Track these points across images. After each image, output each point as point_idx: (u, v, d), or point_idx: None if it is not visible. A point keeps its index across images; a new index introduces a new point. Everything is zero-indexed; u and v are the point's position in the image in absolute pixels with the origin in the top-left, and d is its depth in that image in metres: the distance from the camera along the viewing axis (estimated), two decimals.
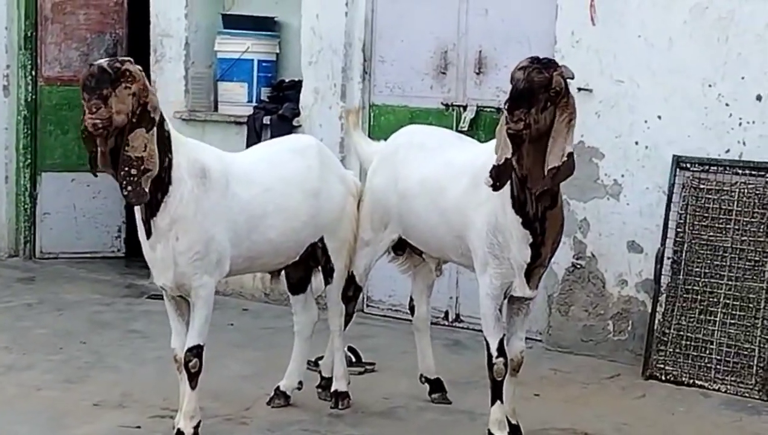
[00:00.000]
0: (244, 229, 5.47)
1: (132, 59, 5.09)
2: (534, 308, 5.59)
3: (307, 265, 6.00)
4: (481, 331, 7.45)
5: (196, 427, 5.39)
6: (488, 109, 7.63)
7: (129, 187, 4.99)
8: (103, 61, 4.97)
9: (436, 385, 6.24)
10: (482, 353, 7.05)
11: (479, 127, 7.66)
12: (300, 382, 6.08)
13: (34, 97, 9.89)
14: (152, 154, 5.01)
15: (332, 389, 6.07)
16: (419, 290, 6.27)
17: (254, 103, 8.49)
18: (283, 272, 6.03)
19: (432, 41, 7.85)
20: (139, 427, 5.66)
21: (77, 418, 5.77)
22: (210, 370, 6.55)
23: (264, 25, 8.63)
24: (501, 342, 5.38)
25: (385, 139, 6.27)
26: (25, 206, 9.86)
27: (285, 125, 8.10)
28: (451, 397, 6.25)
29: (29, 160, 9.86)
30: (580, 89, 7.11)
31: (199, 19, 8.86)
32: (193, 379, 5.39)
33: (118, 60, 5.01)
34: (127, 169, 4.97)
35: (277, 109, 8.27)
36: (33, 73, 9.88)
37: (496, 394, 5.41)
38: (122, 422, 5.73)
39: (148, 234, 5.25)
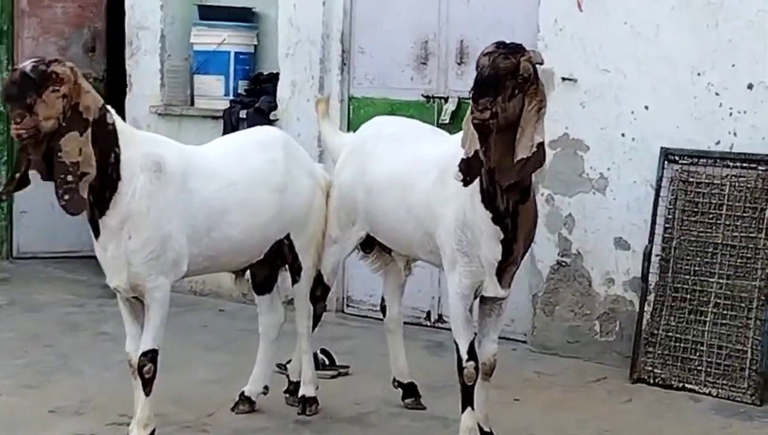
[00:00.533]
0: (204, 226, 5.19)
1: (61, 59, 4.80)
2: (507, 308, 5.28)
3: (274, 263, 5.72)
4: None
5: None
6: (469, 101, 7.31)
7: (66, 196, 4.71)
8: (28, 65, 4.67)
9: (410, 390, 5.95)
10: None
11: (461, 120, 7.32)
12: (266, 387, 5.80)
13: None
14: (88, 157, 4.72)
15: (299, 394, 5.78)
16: (391, 290, 5.99)
17: (231, 97, 8.21)
18: (248, 271, 5.74)
19: (412, 31, 7.58)
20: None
21: (32, 426, 5.52)
22: (176, 373, 6.35)
23: (241, 16, 8.35)
24: (472, 344, 5.11)
25: None
26: (2, 205, 9.59)
27: (261, 119, 7.82)
28: (427, 402, 5.97)
29: (5, 157, 9.60)
30: (564, 79, 6.86)
31: (174, 11, 8.60)
32: (147, 385, 5.11)
33: (45, 62, 4.70)
34: (62, 176, 4.69)
35: (253, 103, 8.00)
36: (9, 68, 9.58)
37: (467, 400, 5.13)
38: (77, 430, 5.47)
39: (97, 234, 4.97)
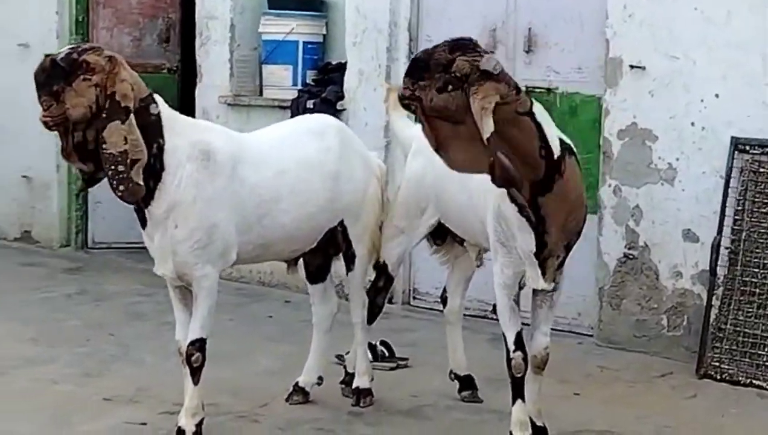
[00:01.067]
0: (254, 215, 5.14)
1: (98, 47, 4.78)
2: (559, 301, 5.15)
3: (327, 252, 5.65)
4: (529, 325, 7.16)
5: (199, 425, 5.09)
6: (538, 90, 7.19)
7: (121, 186, 4.71)
8: (62, 52, 4.67)
9: (467, 383, 5.86)
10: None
11: None
12: (320, 378, 5.74)
13: None
14: (136, 143, 4.70)
15: (354, 386, 5.72)
16: (455, 282, 5.92)
17: (299, 87, 8.16)
18: (301, 260, 5.68)
19: (480, 19, 7.45)
20: (144, 423, 5.39)
21: (85, 414, 5.51)
22: (236, 363, 6.35)
23: (310, 5, 8.29)
24: (518, 335, 5.01)
25: None
26: (78, 195, 9.68)
27: (328, 109, 7.74)
28: (484, 395, 5.86)
29: None
30: (632, 67, 6.69)
31: (244, 1, 8.56)
32: (195, 373, 5.08)
33: (78, 50, 4.69)
34: (113, 168, 4.68)
35: (321, 93, 7.94)
36: None
37: (517, 393, 5.03)
38: (130, 418, 5.46)
39: (143, 223, 4.95)
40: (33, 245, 9.82)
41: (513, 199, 4.73)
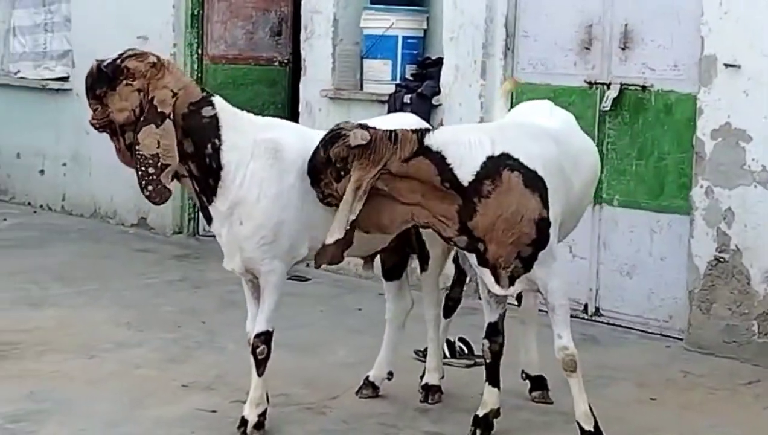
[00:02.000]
0: (324, 214, 5.17)
1: (143, 53, 4.91)
2: (559, 304, 5.07)
3: (403, 251, 5.68)
4: (621, 326, 7.09)
5: (261, 416, 5.17)
6: (633, 88, 7.08)
7: (149, 187, 4.85)
8: (109, 58, 4.83)
9: (538, 383, 5.82)
10: (614, 351, 6.68)
11: (622, 107, 7.13)
12: (390, 373, 5.77)
13: (199, 75, 9.87)
14: (168, 148, 4.81)
15: (423, 382, 5.73)
16: None
17: (398, 81, 8.20)
18: (378, 258, 5.72)
19: (576, 15, 7.37)
20: (215, 411, 5.49)
21: (159, 399, 5.65)
22: (315, 355, 6.44)
23: (411, 0, 8.31)
24: (492, 326, 5.22)
25: None
26: None
27: (424, 104, 7.79)
28: (557, 396, 5.80)
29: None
30: (727, 66, 6.53)
31: None
32: (260, 365, 5.17)
33: (123, 56, 4.83)
34: (144, 168, 4.81)
35: (418, 88, 7.96)
36: (199, 51, 9.89)
37: (489, 377, 5.25)
38: (202, 405, 5.57)
39: (209, 220, 5.06)
40: (148, 232, 10.09)
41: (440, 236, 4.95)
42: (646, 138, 7.05)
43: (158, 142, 4.79)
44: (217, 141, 4.93)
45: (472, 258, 4.97)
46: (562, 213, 4.99)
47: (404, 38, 8.25)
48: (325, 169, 4.82)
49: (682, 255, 6.84)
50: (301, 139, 5.19)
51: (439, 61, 8.06)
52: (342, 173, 4.78)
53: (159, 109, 4.80)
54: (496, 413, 5.22)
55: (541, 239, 4.89)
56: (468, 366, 6.29)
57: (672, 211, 6.95)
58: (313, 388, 5.87)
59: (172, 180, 4.97)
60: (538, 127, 5.15)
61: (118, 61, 4.80)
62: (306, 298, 7.92)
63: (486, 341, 5.19)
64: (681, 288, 6.88)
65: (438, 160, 4.79)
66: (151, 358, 6.33)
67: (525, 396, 5.80)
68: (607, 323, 7.27)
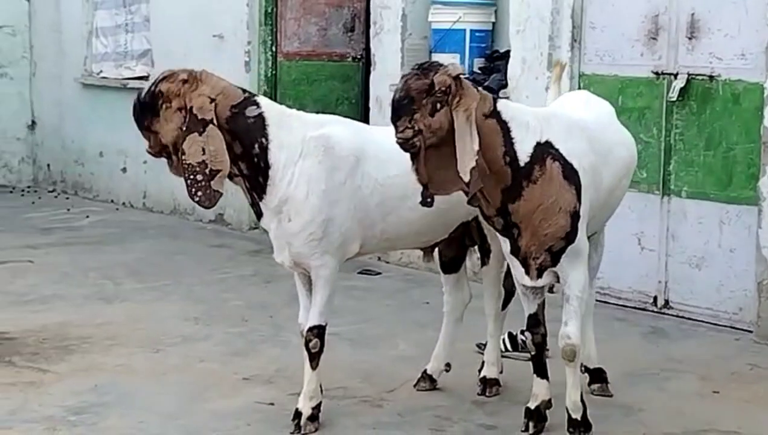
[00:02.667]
0: (378, 212, 5.18)
1: (171, 74, 4.96)
2: (576, 295, 5.00)
3: (462, 243, 5.67)
4: (690, 318, 7.01)
5: (315, 408, 5.20)
6: (700, 78, 6.99)
7: (199, 193, 4.92)
8: (145, 88, 4.96)
9: (597, 376, 5.77)
10: (680, 343, 6.61)
11: (689, 97, 7.03)
12: (447, 365, 5.78)
13: (273, 72, 9.99)
14: (215, 153, 4.88)
15: (481, 375, 5.73)
16: None
17: (466, 75, 8.15)
18: (436, 250, 5.73)
19: (643, 5, 7.27)
20: (272, 404, 5.54)
21: (219, 392, 5.71)
22: (376, 348, 6.48)
23: None
24: (530, 317, 5.15)
25: None
26: None
27: None
28: (618, 389, 5.76)
29: None
30: None
31: None
32: (313, 359, 5.21)
33: (155, 82, 4.94)
34: (192, 177, 4.89)
35: (486, 81, 7.94)
36: (273, 48, 9.98)
37: (536, 369, 5.24)
38: (260, 398, 5.63)
39: (259, 216, 5.12)
40: (225, 227, 10.23)
41: (480, 210, 4.85)
42: (714, 128, 6.94)
43: (203, 149, 4.87)
44: (264, 140, 4.98)
45: (506, 245, 4.92)
46: (591, 208, 4.95)
47: (472, 31, 8.24)
48: (422, 99, 4.55)
49: (751, 246, 6.73)
50: (354, 136, 5.21)
51: (506, 54, 8.03)
52: (438, 107, 4.57)
53: (199, 117, 4.87)
54: (547, 404, 5.19)
55: (572, 233, 4.87)
56: (529, 359, 6.22)
57: (741, 202, 6.84)
58: (372, 381, 5.89)
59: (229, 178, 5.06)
60: (572, 119, 5.10)
61: (153, 87, 4.92)
62: (375, 292, 7.96)
63: (528, 334, 5.18)
64: (750, 280, 6.77)
65: (505, 130, 4.74)
66: (215, 352, 6.41)
67: (585, 389, 5.73)
68: (677, 316, 7.18)
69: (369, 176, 5.14)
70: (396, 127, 4.59)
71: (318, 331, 5.17)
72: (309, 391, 5.21)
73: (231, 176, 5.07)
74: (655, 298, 7.33)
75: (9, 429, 5.12)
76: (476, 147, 4.55)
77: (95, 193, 11.87)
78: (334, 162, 5.04)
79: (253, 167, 4.99)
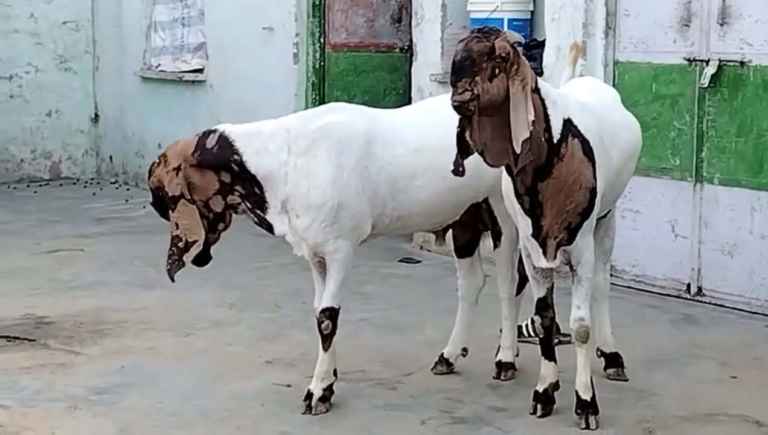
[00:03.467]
0: (387, 191, 5.29)
1: (152, 169, 5.23)
2: (587, 277, 5.08)
3: (476, 227, 5.74)
4: (723, 305, 7.00)
5: (326, 389, 5.30)
6: (731, 64, 6.95)
7: (170, 260, 5.21)
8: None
9: (613, 360, 5.79)
10: (708, 330, 6.62)
11: (721, 84, 7.01)
12: (464, 349, 5.85)
13: (321, 63, 10.10)
14: (188, 226, 5.16)
15: (497, 359, 5.79)
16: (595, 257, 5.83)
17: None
18: (451, 235, 5.80)
19: None
20: (289, 385, 5.65)
21: (240, 374, 5.84)
22: (402, 333, 6.58)
23: None
24: (540, 300, 5.22)
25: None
26: None
27: None
28: (635, 374, 5.79)
29: None
30: None
31: None
32: (326, 340, 5.31)
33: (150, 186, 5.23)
34: (170, 249, 5.20)
35: None
36: (321, 40, 10.10)
37: (544, 352, 5.31)
38: (279, 380, 5.74)
39: (270, 229, 5.25)
40: None
41: (514, 187, 4.84)
42: (746, 114, 6.91)
43: (177, 225, 5.12)
44: (236, 155, 5.15)
45: (527, 226, 4.95)
46: (602, 187, 4.99)
47: (510, 20, 8.26)
48: (483, 61, 4.54)
49: None
50: (360, 119, 5.32)
51: (543, 43, 8.05)
52: (497, 72, 4.58)
53: (170, 194, 5.12)
54: (555, 386, 5.24)
55: (589, 209, 4.94)
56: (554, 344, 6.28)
57: None
58: (391, 365, 5.98)
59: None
60: (581, 100, 5.14)
61: (151, 186, 5.20)
62: (412, 280, 8.05)
63: (537, 317, 5.24)
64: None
65: (544, 106, 4.80)
66: (243, 336, 6.54)
67: (602, 374, 5.77)
68: (710, 303, 7.16)
69: (376, 156, 5.25)
70: (456, 87, 4.56)
71: (330, 313, 5.27)
72: (321, 372, 5.31)
73: (235, 208, 5.28)
74: (689, 286, 7.31)
75: (32, 407, 5.30)
76: (531, 117, 4.59)
77: None
78: (340, 147, 5.14)
79: (244, 184, 5.16)
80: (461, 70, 4.54)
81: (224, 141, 5.18)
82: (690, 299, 7.28)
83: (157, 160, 5.20)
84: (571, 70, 5.96)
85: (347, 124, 5.23)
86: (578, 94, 5.31)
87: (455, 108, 4.59)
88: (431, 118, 5.51)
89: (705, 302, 7.20)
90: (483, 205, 5.56)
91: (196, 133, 5.29)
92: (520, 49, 4.69)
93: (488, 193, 5.52)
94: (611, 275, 7.57)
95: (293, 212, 5.15)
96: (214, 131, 5.23)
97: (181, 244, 5.12)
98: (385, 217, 5.35)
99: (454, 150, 5.35)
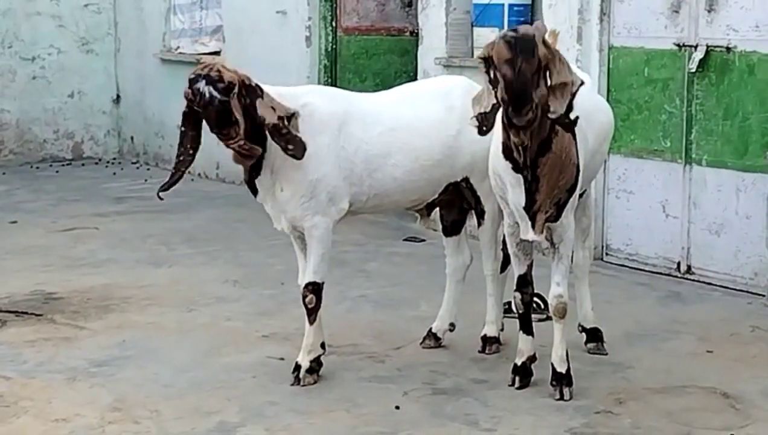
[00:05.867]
0: (364, 169, 5.55)
1: (210, 64, 5.25)
2: (568, 254, 5.32)
3: (461, 207, 5.99)
4: (710, 283, 7.20)
5: (314, 361, 5.57)
6: (718, 49, 7.14)
7: (291, 145, 5.26)
8: (207, 92, 5.18)
9: (593, 335, 6.03)
10: (692, 307, 6.83)
11: (709, 68, 7.20)
12: (451, 324, 6.10)
13: (333, 47, 10.35)
14: (277, 104, 5.25)
15: (482, 334, 6.03)
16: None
17: None
18: (434, 212, 6.05)
19: None
20: (282, 359, 5.90)
21: (236, 348, 6.11)
22: (398, 309, 6.82)
23: None
24: (521, 277, 5.45)
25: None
26: None
27: None
28: (615, 349, 6.03)
29: None
30: None
31: None
32: (310, 314, 5.58)
33: (213, 78, 5.16)
34: (279, 134, 5.24)
35: None
36: (333, 23, 10.33)
37: (522, 327, 5.53)
38: (273, 353, 6.00)
39: (255, 193, 5.48)
40: None
41: (512, 159, 5.03)
42: (731, 98, 7.10)
43: (272, 108, 5.23)
44: (258, 118, 5.33)
45: (519, 197, 5.12)
46: (581, 166, 5.21)
47: (510, 6, 8.48)
48: (535, 79, 4.77)
49: (765, 213, 6.88)
50: (334, 101, 5.61)
51: None
52: (542, 72, 4.82)
53: (252, 85, 5.23)
54: (532, 359, 5.49)
55: (575, 186, 5.19)
56: (540, 320, 6.46)
57: (756, 171, 7.00)
58: (382, 339, 6.24)
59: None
60: None
61: (220, 84, 5.13)
62: (413, 257, 8.28)
63: (517, 293, 5.47)
64: (765, 246, 6.93)
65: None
66: (243, 312, 6.81)
67: (583, 349, 5.99)
68: (698, 281, 7.37)
69: (353, 136, 5.52)
70: (521, 114, 4.75)
71: (313, 287, 5.53)
72: (308, 345, 5.58)
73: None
74: (679, 264, 7.52)
75: (32, 379, 5.60)
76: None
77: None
78: (316, 126, 5.40)
79: (256, 143, 5.32)
80: (523, 100, 4.73)
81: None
82: (680, 277, 7.49)
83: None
84: None
85: (325, 105, 5.49)
86: None
87: (522, 128, 4.81)
88: (406, 100, 5.78)
89: (693, 280, 7.41)
90: (463, 184, 5.80)
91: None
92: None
93: (466, 172, 5.77)
94: (607, 254, 7.87)
95: (279, 186, 5.40)
96: (249, 85, 5.29)
97: (285, 122, 5.22)
98: (362, 194, 5.61)
99: (429, 130, 5.65)
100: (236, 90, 5.17)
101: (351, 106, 5.58)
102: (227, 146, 5.25)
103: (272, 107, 5.24)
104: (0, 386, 5.48)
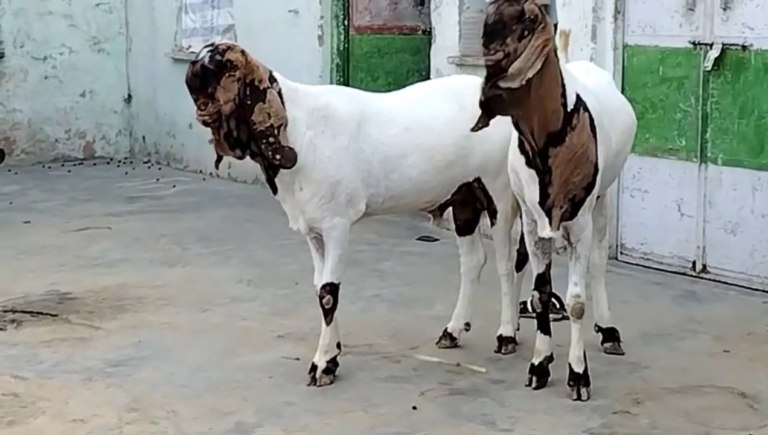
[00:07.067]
0: (380, 170, 5.54)
1: (233, 45, 5.24)
2: (584, 253, 5.32)
3: (474, 206, 5.98)
4: (725, 282, 7.18)
5: (330, 362, 5.56)
6: (733, 48, 7.12)
7: (278, 155, 5.24)
8: (205, 56, 5.13)
9: (609, 335, 6.02)
10: (708, 306, 6.81)
11: (724, 67, 7.18)
12: (467, 324, 6.09)
13: (345, 45, 10.34)
14: (275, 111, 5.21)
15: (497, 333, 6.02)
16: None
17: None
18: (447, 212, 6.04)
19: None
20: (298, 359, 5.90)
21: (251, 348, 6.10)
22: (414, 309, 6.82)
23: None
24: (539, 277, 5.44)
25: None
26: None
27: None
28: (631, 348, 6.01)
29: None
30: None
31: None
32: (327, 314, 5.57)
33: (219, 50, 5.15)
34: (266, 141, 5.21)
35: None
36: (345, 23, 10.33)
37: (539, 326, 5.52)
38: (288, 353, 6.00)
39: (274, 190, 5.47)
40: None
41: (524, 151, 5.02)
42: (747, 97, 7.08)
43: (269, 115, 5.21)
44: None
45: (533, 193, 5.14)
46: (602, 166, 5.19)
47: None
48: (513, 24, 4.76)
49: None
50: (353, 102, 5.58)
51: (555, 27, 8.20)
52: (525, 33, 4.79)
53: (261, 87, 5.20)
54: (549, 359, 5.48)
55: (592, 185, 5.18)
56: (555, 320, 6.42)
57: None
58: (398, 338, 6.23)
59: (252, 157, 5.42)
60: (582, 83, 5.34)
61: (218, 57, 5.12)
62: (428, 257, 8.27)
63: (536, 292, 5.46)
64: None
65: (560, 73, 5.04)
66: (258, 312, 6.81)
67: (599, 348, 5.98)
68: (713, 280, 7.35)
69: (370, 137, 5.51)
70: (488, 49, 4.78)
71: (330, 288, 5.52)
72: (324, 345, 5.58)
73: (252, 155, 5.43)
74: (694, 263, 7.50)
75: (49, 379, 5.60)
76: (531, 73, 4.77)
77: (185, 163, 12.40)
78: (336, 127, 5.39)
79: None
80: (493, 33, 4.78)
81: (280, 97, 5.30)
82: (695, 276, 7.47)
83: (242, 49, 5.22)
84: (563, 56, 6.14)
85: (344, 106, 5.48)
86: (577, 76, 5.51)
87: (488, 67, 4.81)
88: (420, 99, 5.77)
89: (709, 279, 7.39)
90: (475, 184, 5.79)
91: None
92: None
93: (478, 172, 5.76)
94: (621, 253, 7.85)
95: (298, 184, 5.39)
96: (276, 80, 5.31)
97: (275, 131, 5.21)
98: (378, 196, 5.60)
99: (443, 130, 5.64)
100: (235, 75, 5.14)
101: (367, 106, 5.58)
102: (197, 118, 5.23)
103: (269, 114, 5.24)
104: (17, 387, 5.48)
